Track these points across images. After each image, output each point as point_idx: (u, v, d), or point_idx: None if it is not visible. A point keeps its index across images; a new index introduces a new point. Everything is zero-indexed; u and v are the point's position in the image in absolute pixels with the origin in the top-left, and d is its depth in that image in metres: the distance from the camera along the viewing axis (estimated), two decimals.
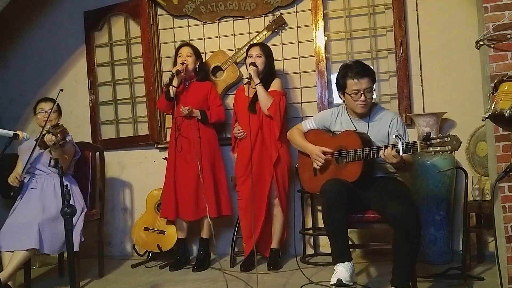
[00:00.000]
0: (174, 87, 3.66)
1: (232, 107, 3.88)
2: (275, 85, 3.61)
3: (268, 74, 3.61)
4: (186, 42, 3.94)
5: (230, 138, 3.88)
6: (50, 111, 3.34)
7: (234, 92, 3.90)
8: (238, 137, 3.66)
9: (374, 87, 2.82)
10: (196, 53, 3.81)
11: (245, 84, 3.73)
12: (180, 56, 3.76)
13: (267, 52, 3.64)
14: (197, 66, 3.80)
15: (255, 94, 3.54)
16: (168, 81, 3.66)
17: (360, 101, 2.79)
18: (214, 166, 3.73)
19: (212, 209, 3.57)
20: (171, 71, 3.69)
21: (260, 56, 3.59)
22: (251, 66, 3.54)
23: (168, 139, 4.09)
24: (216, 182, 3.71)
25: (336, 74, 2.90)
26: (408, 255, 2.51)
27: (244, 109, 3.57)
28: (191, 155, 3.63)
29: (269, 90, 3.55)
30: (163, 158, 3.91)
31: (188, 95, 3.75)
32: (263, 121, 3.57)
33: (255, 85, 3.51)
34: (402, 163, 2.61)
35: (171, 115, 3.90)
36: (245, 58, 3.68)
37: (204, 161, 3.65)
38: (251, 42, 3.91)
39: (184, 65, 3.68)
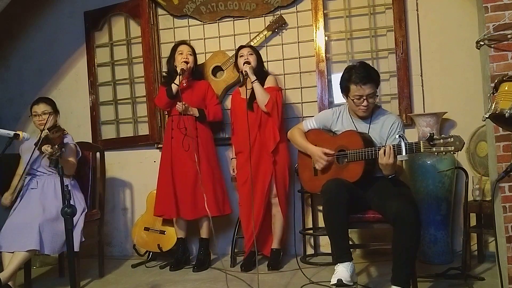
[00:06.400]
0: (177, 85, 3.65)
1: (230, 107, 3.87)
2: (270, 81, 3.63)
3: (260, 71, 3.63)
4: (185, 41, 3.95)
5: (226, 138, 3.97)
6: (47, 115, 3.35)
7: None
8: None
9: (377, 91, 2.81)
10: (195, 53, 3.85)
11: (240, 86, 3.73)
12: (181, 53, 3.75)
13: (256, 51, 3.70)
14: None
15: (252, 93, 3.53)
16: (177, 78, 3.62)
17: (362, 106, 2.79)
18: (212, 165, 3.75)
19: (212, 208, 3.57)
20: (182, 68, 3.64)
21: (251, 54, 3.63)
22: (245, 64, 3.55)
23: None
24: (214, 181, 3.72)
25: (341, 75, 2.88)
26: (408, 253, 2.51)
27: (243, 111, 3.54)
28: (189, 153, 3.63)
29: (264, 87, 3.56)
30: (154, 162, 3.82)
31: (187, 93, 3.74)
32: (261, 119, 3.57)
33: (252, 82, 3.51)
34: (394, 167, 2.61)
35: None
36: (236, 60, 3.70)
37: (202, 160, 3.66)
38: (251, 43, 3.93)
39: (188, 64, 3.71)
